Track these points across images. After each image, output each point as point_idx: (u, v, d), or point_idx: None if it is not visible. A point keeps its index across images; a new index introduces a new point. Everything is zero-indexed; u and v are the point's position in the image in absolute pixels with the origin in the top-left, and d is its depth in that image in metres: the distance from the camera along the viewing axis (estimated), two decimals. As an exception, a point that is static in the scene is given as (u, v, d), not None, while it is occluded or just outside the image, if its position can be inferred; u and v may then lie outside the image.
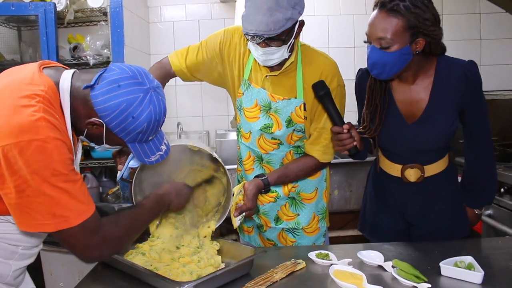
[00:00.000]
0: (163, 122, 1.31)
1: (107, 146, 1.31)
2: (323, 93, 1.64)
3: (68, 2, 2.88)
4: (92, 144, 1.33)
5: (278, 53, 1.63)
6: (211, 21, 3.76)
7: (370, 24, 1.59)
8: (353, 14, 3.71)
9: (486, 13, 3.72)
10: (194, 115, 3.85)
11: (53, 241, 2.61)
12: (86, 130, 1.25)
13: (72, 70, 1.28)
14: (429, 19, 1.55)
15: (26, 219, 1.13)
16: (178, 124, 3.68)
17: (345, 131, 1.62)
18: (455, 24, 3.68)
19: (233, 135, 3.72)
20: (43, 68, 1.26)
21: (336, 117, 1.65)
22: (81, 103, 1.22)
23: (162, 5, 3.78)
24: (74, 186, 1.15)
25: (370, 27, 1.59)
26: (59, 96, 1.21)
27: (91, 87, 1.21)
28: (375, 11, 1.59)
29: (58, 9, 2.84)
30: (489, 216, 2.68)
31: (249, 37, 1.59)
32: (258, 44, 1.60)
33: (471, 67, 1.68)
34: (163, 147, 1.37)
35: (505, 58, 3.75)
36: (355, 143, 1.63)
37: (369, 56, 1.62)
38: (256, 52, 1.64)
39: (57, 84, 1.22)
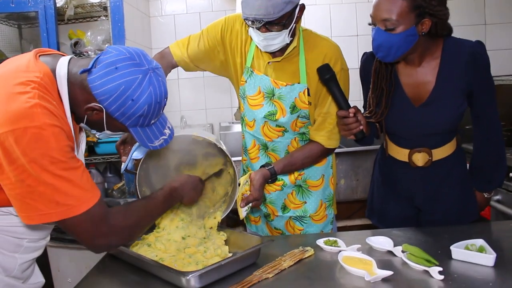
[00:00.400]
0: (165, 104, 1.27)
1: (108, 132, 1.28)
2: (328, 77, 1.61)
3: (67, -3, 2.87)
4: (93, 132, 1.30)
5: (279, 38, 1.60)
6: (212, 13, 3.74)
7: (375, 5, 1.56)
8: (355, 3, 3.67)
9: (491, -3, 3.68)
10: (197, 108, 3.82)
11: (60, 237, 2.62)
12: (85, 116, 1.22)
13: (69, 56, 1.26)
14: None
15: (28, 210, 1.11)
16: (182, 117, 3.65)
17: (351, 115, 1.58)
18: (460, 9, 3.63)
19: (237, 128, 3.70)
20: (39, 55, 1.23)
21: (342, 101, 1.62)
22: (79, 89, 1.19)
23: (163, -2, 3.76)
24: (76, 174, 1.13)
25: (375, 9, 1.56)
26: (56, 83, 1.18)
27: (88, 71, 1.18)
28: None
29: (57, 5, 2.83)
30: (497, 201, 2.66)
31: (249, 22, 1.56)
32: (258, 29, 1.57)
33: (479, 47, 1.64)
34: (167, 131, 1.33)
35: (510, 43, 3.70)
36: (361, 127, 1.59)
37: (374, 38, 1.58)
38: (257, 37, 1.62)
39: (53, 71, 1.19)
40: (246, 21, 1.57)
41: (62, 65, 1.21)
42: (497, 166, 1.80)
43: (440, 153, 1.75)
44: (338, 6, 3.69)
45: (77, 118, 1.25)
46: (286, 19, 1.56)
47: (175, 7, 3.77)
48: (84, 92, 1.18)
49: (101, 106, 1.18)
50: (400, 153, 1.80)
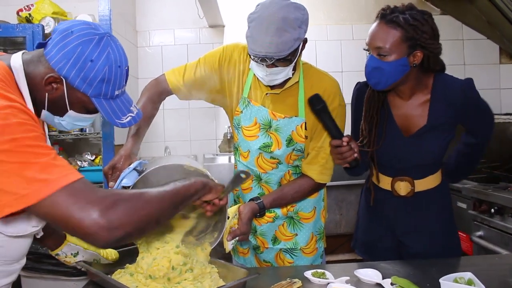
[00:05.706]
0: (127, 73, 1.23)
1: (72, 114, 1.21)
2: (320, 107, 1.61)
3: (56, 24, 2.87)
4: (57, 119, 1.23)
5: (283, 73, 1.62)
6: (199, 45, 3.80)
7: (370, 34, 1.64)
8: (340, 40, 3.76)
9: (469, 39, 3.84)
10: (182, 139, 3.81)
11: (36, 266, 2.52)
12: (46, 96, 1.16)
13: (21, 51, 1.22)
14: (427, 32, 1.60)
15: None
16: (166, 148, 3.63)
17: (344, 143, 1.59)
18: (439, 49, 3.77)
19: (221, 160, 3.70)
20: None
21: (334, 130, 1.62)
22: (37, 71, 1.16)
23: (151, 29, 3.81)
24: (48, 155, 1.00)
25: (370, 37, 1.64)
26: (14, 76, 1.14)
27: (45, 45, 1.16)
28: (376, 22, 1.64)
29: (46, 31, 2.82)
30: (480, 237, 2.68)
31: (258, 59, 1.56)
32: (266, 65, 1.58)
33: (468, 84, 1.72)
34: (134, 109, 1.28)
35: (488, 83, 3.85)
36: (355, 155, 1.60)
37: (367, 64, 1.65)
38: (262, 72, 1.62)
39: (9, 66, 1.15)
40: (254, 58, 1.57)
41: (16, 58, 1.18)
42: (472, 164, 1.90)
43: (423, 184, 1.78)
44: (324, 43, 3.77)
45: (38, 110, 1.20)
46: (293, 54, 1.58)
47: (163, 38, 3.82)
48: (42, 68, 1.15)
49: (60, 75, 1.14)
50: (384, 181, 1.83)
